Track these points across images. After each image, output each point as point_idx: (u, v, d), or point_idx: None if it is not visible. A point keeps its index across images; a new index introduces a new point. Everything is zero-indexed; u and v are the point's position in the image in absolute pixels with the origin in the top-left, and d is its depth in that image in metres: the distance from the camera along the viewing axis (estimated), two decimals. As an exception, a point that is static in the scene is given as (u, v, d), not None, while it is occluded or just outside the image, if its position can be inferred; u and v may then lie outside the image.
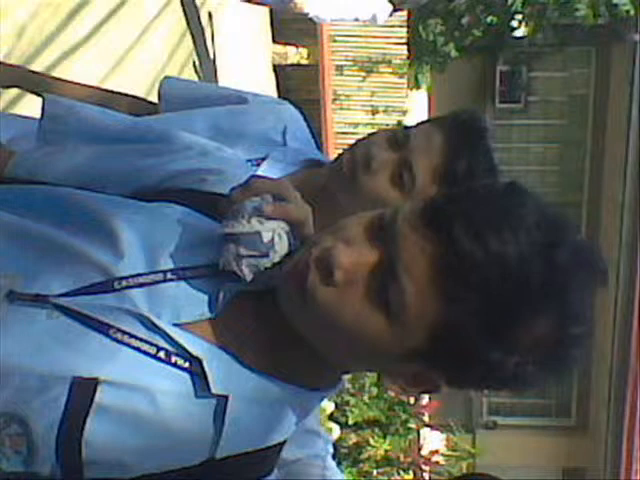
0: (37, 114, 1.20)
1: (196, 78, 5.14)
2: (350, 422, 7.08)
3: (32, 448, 0.83)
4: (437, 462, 7.79)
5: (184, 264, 0.90)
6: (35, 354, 0.84)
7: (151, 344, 0.86)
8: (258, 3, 4.45)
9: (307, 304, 0.83)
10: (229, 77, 5.85)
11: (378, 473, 7.30)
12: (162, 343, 0.86)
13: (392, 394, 6.19)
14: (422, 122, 1.44)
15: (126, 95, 1.72)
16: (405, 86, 7.94)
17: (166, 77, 1.67)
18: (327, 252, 0.83)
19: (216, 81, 5.66)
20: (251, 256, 0.87)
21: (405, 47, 7.72)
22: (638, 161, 9.05)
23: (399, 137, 1.35)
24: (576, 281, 0.79)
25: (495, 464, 7.69)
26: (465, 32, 8.55)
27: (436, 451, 7.97)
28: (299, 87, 7.49)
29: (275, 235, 0.88)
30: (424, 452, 7.73)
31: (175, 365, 0.86)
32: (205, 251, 0.92)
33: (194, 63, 5.18)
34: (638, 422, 9.03)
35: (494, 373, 0.82)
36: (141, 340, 0.85)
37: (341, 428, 7.12)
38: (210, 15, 5.56)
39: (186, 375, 0.86)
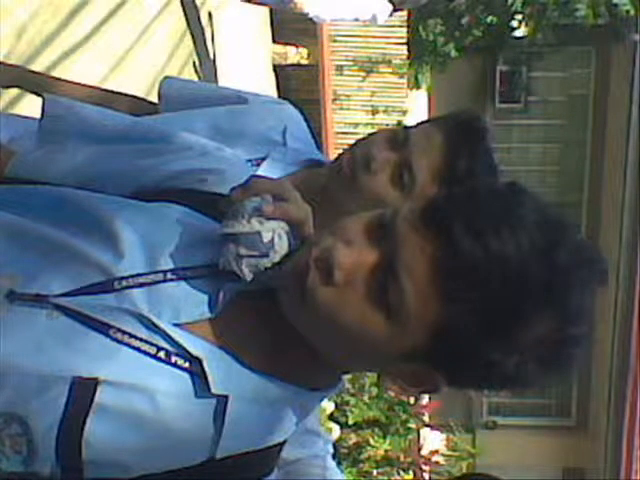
0: (37, 114, 1.20)
1: (196, 78, 5.13)
2: (350, 422, 7.09)
3: (32, 448, 0.83)
4: (437, 462, 7.80)
5: (184, 264, 0.90)
6: (35, 354, 0.84)
7: (151, 344, 0.86)
8: (258, 3, 4.44)
9: (307, 304, 0.83)
10: (229, 77, 5.85)
11: (378, 473, 7.31)
12: (162, 343, 0.86)
13: (392, 394, 6.19)
14: (422, 122, 1.44)
15: (126, 95, 1.72)
16: (405, 86, 7.95)
17: (166, 77, 1.67)
18: (327, 252, 0.83)
19: (216, 81, 5.65)
20: (251, 256, 0.87)
21: (405, 47, 7.72)
22: (638, 161, 9.04)
23: (399, 137, 1.35)
24: (576, 281, 0.79)
25: (495, 464, 7.69)
26: (465, 32, 8.55)
27: (436, 451, 7.98)
28: (299, 87, 7.48)
29: (275, 235, 0.88)
30: (424, 452, 7.74)
31: (175, 365, 0.86)
32: (205, 251, 0.92)
33: (194, 63, 5.18)
34: (638, 422, 9.03)
35: (494, 373, 0.82)
36: (141, 340, 0.85)
37: (341, 428, 7.13)
38: (210, 15, 5.56)
39: (186, 375, 0.86)
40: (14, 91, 2.39)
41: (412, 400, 7.16)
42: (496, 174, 1.35)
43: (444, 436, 8.60)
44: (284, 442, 0.95)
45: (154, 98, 1.65)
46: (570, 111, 10.07)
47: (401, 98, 7.88)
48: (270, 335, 0.91)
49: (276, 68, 7.55)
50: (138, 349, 0.85)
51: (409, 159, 1.32)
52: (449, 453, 8.28)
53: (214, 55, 5.64)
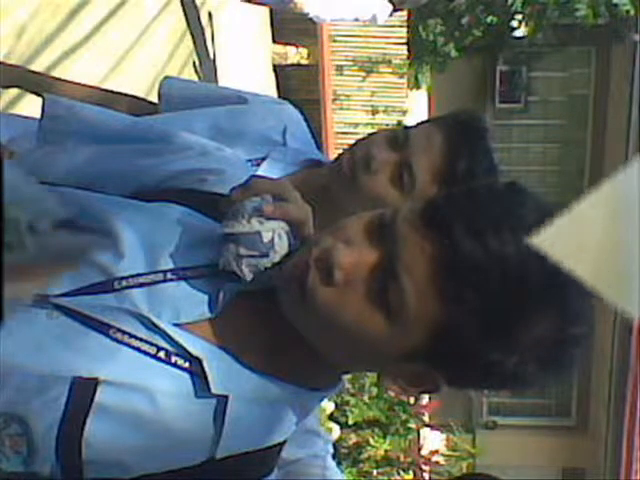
0: (37, 114, 1.20)
1: (196, 78, 5.13)
2: (350, 422, 7.08)
3: (32, 448, 0.83)
4: (437, 462, 7.78)
5: (184, 264, 0.90)
6: (35, 354, 0.84)
7: (151, 344, 0.86)
8: (258, 3, 4.44)
9: (307, 304, 0.83)
10: (229, 77, 5.85)
11: (378, 473, 7.30)
12: (162, 343, 0.86)
13: (392, 394, 6.19)
14: (422, 122, 1.44)
15: (126, 95, 1.72)
16: (405, 86, 7.94)
17: (166, 77, 1.67)
18: (327, 252, 0.83)
19: (216, 81, 5.65)
20: (251, 256, 0.87)
21: (405, 47, 7.71)
22: (638, 161, 9.03)
23: (399, 137, 1.35)
24: (576, 281, 0.79)
25: (495, 464, 7.69)
26: (465, 32, 8.54)
27: (436, 451, 7.96)
28: (299, 87, 7.48)
29: (275, 235, 0.88)
30: (424, 452, 7.72)
31: (175, 365, 0.86)
32: (205, 251, 0.92)
33: (194, 63, 5.18)
34: (638, 422, 9.02)
35: (494, 373, 0.82)
36: (141, 340, 0.86)
37: (341, 428, 7.12)
38: (210, 15, 5.55)
39: (186, 375, 0.86)
40: (14, 91, 2.39)
41: (412, 400, 7.16)
42: (496, 174, 1.35)
43: (444, 436, 8.59)
44: (284, 442, 0.95)
45: (154, 98, 1.65)
46: (570, 111, 10.07)
47: (401, 98, 7.88)
48: (270, 335, 0.91)
49: (276, 68, 7.54)
50: (138, 349, 0.85)
51: (409, 159, 1.32)
52: (449, 453, 8.27)
53: (214, 55, 5.64)
